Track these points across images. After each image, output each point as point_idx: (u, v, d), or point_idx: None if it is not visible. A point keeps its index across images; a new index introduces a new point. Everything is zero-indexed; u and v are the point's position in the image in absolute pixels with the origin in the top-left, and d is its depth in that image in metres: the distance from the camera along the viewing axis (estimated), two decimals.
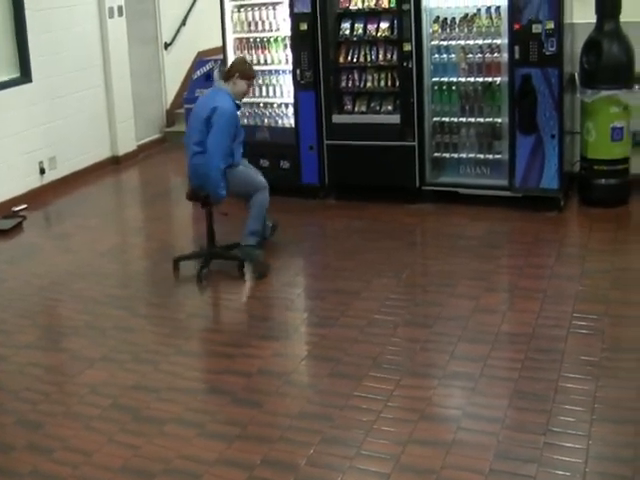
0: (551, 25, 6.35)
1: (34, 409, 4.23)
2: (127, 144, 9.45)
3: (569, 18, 6.69)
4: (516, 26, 6.44)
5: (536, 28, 6.40)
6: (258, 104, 7.75)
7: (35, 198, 8.02)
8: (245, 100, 7.79)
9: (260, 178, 6.05)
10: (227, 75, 5.97)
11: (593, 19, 6.64)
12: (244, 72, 5.93)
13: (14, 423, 4.13)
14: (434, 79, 6.99)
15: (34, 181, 8.19)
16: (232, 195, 5.84)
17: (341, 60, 7.35)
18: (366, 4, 7.17)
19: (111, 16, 9.16)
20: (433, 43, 6.94)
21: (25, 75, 8.12)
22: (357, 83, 7.34)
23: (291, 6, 7.21)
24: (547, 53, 6.39)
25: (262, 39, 7.68)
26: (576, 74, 6.86)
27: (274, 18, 7.51)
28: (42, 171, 8.26)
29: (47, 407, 4.25)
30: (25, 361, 4.79)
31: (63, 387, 4.47)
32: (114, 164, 9.26)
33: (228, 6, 7.66)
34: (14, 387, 4.51)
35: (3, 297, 5.78)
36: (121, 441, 3.88)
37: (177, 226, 7.56)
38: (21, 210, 7.72)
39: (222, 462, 3.64)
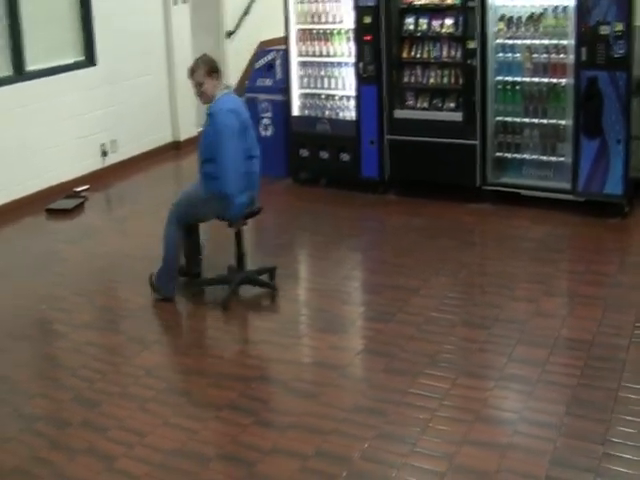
0: (620, 27, 6.22)
1: (91, 387, 4.30)
2: (188, 130, 9.53)
3: (639, 20, 6.56)
4: (585, 27, 6.33)
5: (604, 30, 6.27)
6: (320, 96, 7.75)
7: (97, 180, 8.14)
8: (306, 91, 7.87)
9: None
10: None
11: None
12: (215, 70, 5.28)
13: (71, 400, 4.20)
14: (498, 78, 6.90)
15: (96, 163, 8.32)
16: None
17: (404, 55, 7.30)
18: (430, 0, 7.12)
19: (175, 3, 9.24)
20: (498, 41, 6.85)
21: (89, 58, 8.25)
22: (420, 79, 7.29)
23: None
24: (615, 56, 6.26)
25: (325, 31, 7.67)
26: None
27: (337, 10, 7.49)
28: (104, 153, 8.38)
29: (103, 386, 4.31)
30: (83, 340, 4.86)
31: (119, 367, 4.52)
32: (175, 149, 9.35)
33: None
34: (72, 364, 4.59)
35: (63, 276, 5.87)
36: (175, 424, 3.92)
37: None
38: (83, 191, 7.84)
39: (276, 451, 3.65)
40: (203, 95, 5.18)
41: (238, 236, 5.34)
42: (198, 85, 5.15)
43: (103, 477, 3.54)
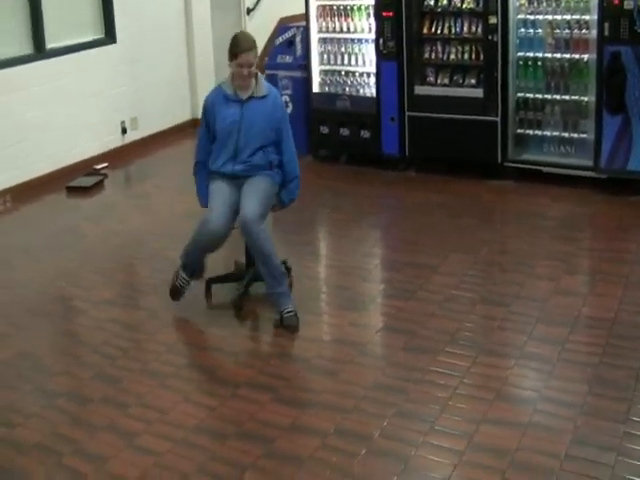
0: None
1: (112, 364, 4.32)
2: None
3: None
4: (612, 1, 6.23)
5: (628, 4, 6.19)
6: (340, 72, 7.71)
7: (116, 157, 8.16)
8: (326, 67, 7.82)
9: (213, 209, 4.71)
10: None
11: None
12: (230, 50, 4.63)
13: (92, 376, 4.22)
14: (519, 54, 6.84)
15: (116, 140, 8.33)
16: None
17: (425, 31, 7.24)
18: None
19: None
20: (519, 17, 6.78)
21: (109, 36, 8.24)
22: (440, 55, 7.24)
23: None
24: (639, 30, 6.18)
25: (345, 7, 7.63)
26: None
27: None
28: (124, 131, 8.40)
29: (124, 363, 4.33)
30: (104, 316, 4.89)
31: (140, 344, 4.55)
32: (194, 127, 9.30)
33: None
34: (93, 341, 4.61)
35: (83, 253, 5.90)
36: (196, 401, 3.94)
37: None
38: (102, 168, 7.87)
39: (295, 428, 3.66)
40: (249, 77, 4.64)
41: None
42: (249, 67, 4.59)
43: (124, 454, 3.56)
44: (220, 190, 4.72)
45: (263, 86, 4.74)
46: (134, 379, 4.17)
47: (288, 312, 4.55)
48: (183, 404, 3.91)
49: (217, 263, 5.22)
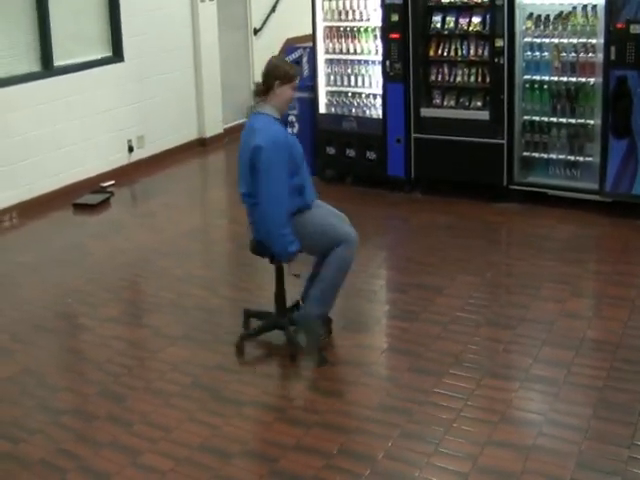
0: None
1: (116, 381, 4.32)
2: (214, 127, 9.57)
3: None
4: (614, 26, 6.27)
5: (634, 29, 6.22)
6: (346, 93, 7.74)
7: (123, 175, 8.19)
8: (333, 88, 7.86)
9: (345, 226, 4.55)
10: (264, 88, 4.47)
11: None
12: (284, 75, 4.42)
13: (97, 394, 4.23)
14: (526, 77, 6.86)
15: (122, 158, 8.37)
16: (305, 249, 4.52)
17: (431, 53, 7.28)
18: None
19: (202, 0, 9.26)
20: (526, 40, 6.81)
21: (117, 54, 8.30)
22: (447, 77, 7.27)
23: None
24: None
25: (352, 28, 7.67)
26: None
27: (365, 8, 7.48)
28: (130, 149, 8.43)
29: (129, 381, 4.34)
30: (109, 334, 4.89)
31: (145, 362, 4.55)
32: (200, 146, 9.39)
33: None
34: (98, 359, 4.61)
35: (89, 271, 5.91)
36: (200, 419, 3.93)
37: None
38: (109, 186, 7.90)
39: (299, 448, 3.66)
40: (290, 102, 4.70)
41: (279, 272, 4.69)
42: (294, 90, 4.60)
43: (128, 471, 3.56)
44: (323, 210, 4.60)
45: None
46: (138, 397, 4.17)
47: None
48: (187, 423, 3.91)
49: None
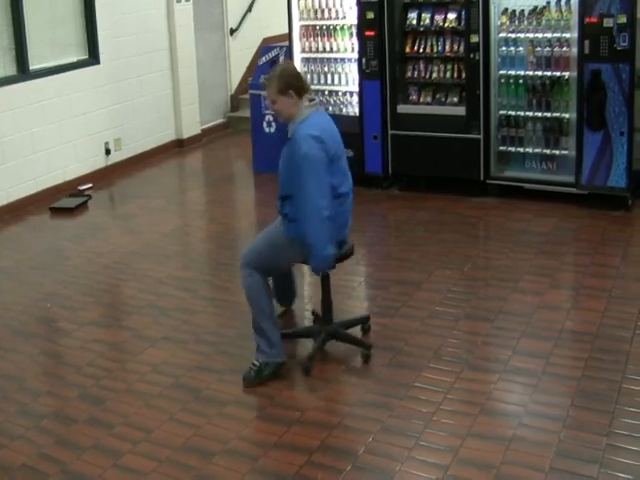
0: (623, 19, 6.21)
1: (97, 384, 4.31)
2: (191, 128, 9.56)
3: None
4: (588, 20, 6.32)
5: (607, 22, 6.27)
6: (323, 92, 7.76)
7: (100, 178, 8.17)
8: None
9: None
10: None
11: None
12: (297, 87, 4.19)
13: (77, 397, 4.21)
14: (501, 72, 6.90)
15: (100, 161, 8.34)
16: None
17: (407, 50, 7.31)
18: None
19: (178, 1, 9.25)
20: (501, 35, 6.85)
21: (93, 57, 8.27)
22: (423, 74, 7.30)
23: None
24: (618, 48, 6.25)
25: (328, 27, 7.68)
26: None
27: (340, 6, 7.50)
28: (108, 152, 8.40)
29: (109, 383, 4.33)
30: (88, 337, 4.88)
31: (125, 364, 4.54)
32: (178, 147, 9.37)
33: None
34: (77, 362, 4.60)
35: (67, 274, 5.89)
36: (181, 420, 3.93)
37: (240, 210, 7.61)
38: (86, 189, 7.87)
39: (280, 445, 3.67)
40: (278, 114, 4.31)
41: (324, 281, 4.48)
42: (271, 102, 4.27)
43: (110, 474, 3.56)
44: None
45: (293, 125, 4.23)
46: (119, 399, 4.17)
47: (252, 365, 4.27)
48: (168, 423, 3.91)
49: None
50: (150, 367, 4.46)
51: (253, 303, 4.28)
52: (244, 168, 8.56)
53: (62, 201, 7.49)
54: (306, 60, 7.86)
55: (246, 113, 8.91)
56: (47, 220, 7.23)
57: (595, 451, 3.48)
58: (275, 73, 4.24)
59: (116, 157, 8.52)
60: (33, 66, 7.61)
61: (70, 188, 7.80)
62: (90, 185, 7.94)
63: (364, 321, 4.73)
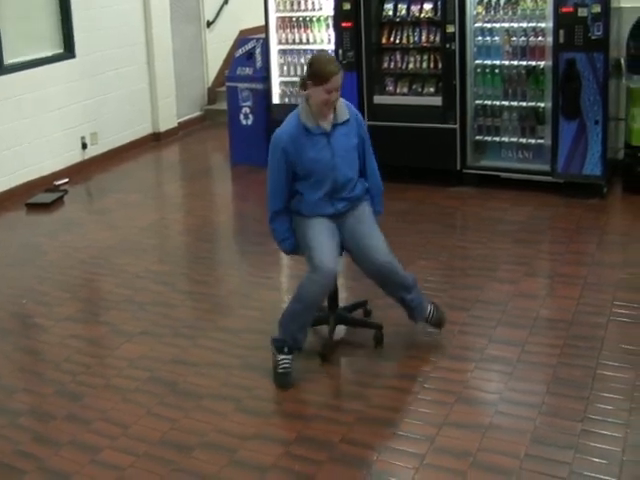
0: (597, 9, 6.25)
1: (74, 380, 4.29)
2: (168, 121, 9.52)
3: (616, 2, 6.57)
4: (563, 9, 6.34)
5: (582, 12, 6.31)
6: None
7: (76, 173, 8.13)
8: (287, 79, 7.85)
9: (322, 252, 4.05)
10: (302, 83, 4.13)
11: None
12: (316, 76, 3.96)
13: (54, 393, 4.19)
14: (477, 62, 6.93)
15: (76, 156, 8.29)
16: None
17: (383, 41, 7.31)
18: None
19: None
20: (477, 25, 6.88)
21: (68, 51, 8.20)
22: (399, 64, 7.31)
23: None
24: (593, 37, 6.30)
25: (304, 18, 7.69)
26: (622, 59, 6.74)
27: None
28: (84, 146, 8.36)
29: (86, 379, 4.31)
30: (65, 333, 4.85)
31: (103, 360, 4.52)
32: (155, 140, 9.33)
33: None
34: (54, 358, 4.58)
35: (44, 270, 5.85)
36: (159, 414, 3.92)
37: (217, 203, 7.59)
38: (63, 184, 7.82)
39: (258, 437, 3.67)
40: (334, 103, 4.09)
41: None
42: (336, 91, 4.02)
43: (87, 469, 3.54)
44: (322, 227, 4.13)
45: (344, 108, 4.17)
46: (96, 395, 4.15)
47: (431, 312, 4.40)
48: (146, 418, 3.90)
49: None
50: (127, 362, 4.45)
51: (410, 280, 4.34)
52: (221, 161, 8.54)
53: (38, 196, 7.44)
54: (282, 52, 7.87)
55: (223, 106, 8.88)
56: (23, 216, 7.18)
57: (570, 437, 3.51)
58: (333, 57, 4.32)
59: (92, 151, 8.46)
60: (7, 60, 7.53)
61: (46, 183, 7.75)
62: (66, 180, 7.89)
63: (364, 304, 4.75)
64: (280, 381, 4.11)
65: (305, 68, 4.23)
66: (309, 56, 7.57)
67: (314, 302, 4.11)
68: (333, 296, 4.47)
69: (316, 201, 4.13)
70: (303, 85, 4.10)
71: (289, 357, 4.12)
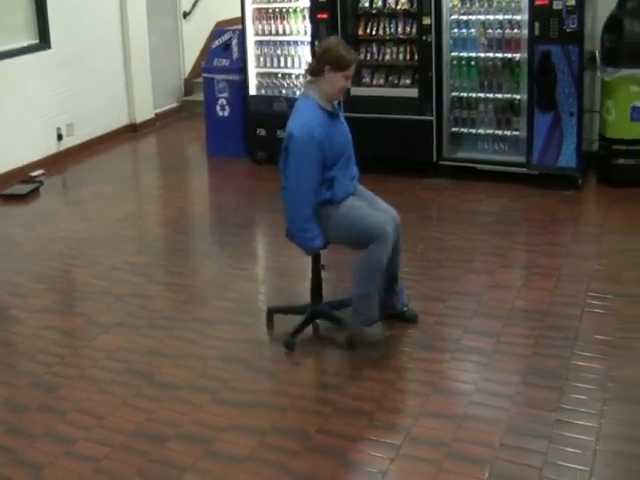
0: (572, 2, 6.28)
1: (49, 371, 4.27)
2: (145, 112, 9.46)
3: None
4: (538, 2, 6.38)
5: (557, 4, 6.34)
6: (276, 75, 7.75)
7: (52, 164, 8.06)
8: (263, 70, 7.84)
9: (377, 219, 4.18)
10: (315, 69, 4.17)
11: None
12: (337, 62, 4.07)
13: (29, 385, 4.17)
14: (453, 54, 6.94)
15: (52, 147, 8.23)
16: (335, 241, 4.34)
17: (360, 32, 7.31)
18: None
19: None
20: (453, 17, 6.89)
21: (44, 42, 8.12)
22: (376, 56, 7.31)
23: None
24: (568, 30, 6.33)
25: (281, 9, 7.66)
26: (597, 52, 6.77)
27: None
28: (60, 137, 8.29)
29: (62, 370, 4.29)
30: (41, 324, 4.82)
31: (78, 351, 4.51)
32: (131, 132, 9.27)
33: None
34: (29, 350, 4.55)
35: (19, 261, 5.81)
36: (134, 405, 3.91)
37: (194, 194, 7.56)
38: (38, 175, 7.76)
39: (233, 428, 3.67)
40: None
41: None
42: (349, 79, 4.24)
43: (62, 461, 3.52)
44: (358, 202, 4.25)
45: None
46: (72, 386, 4.13)
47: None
48: (121, 409, 3.89)
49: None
50: (103, 353, 4.43)
51: None
52: (198, 152, 8.51)
53: (13, 188, 7.38)
54: (259, 43, 7.84)
55: (200, 97, 8.85)
56: None
57: (544, 427, 3.53)
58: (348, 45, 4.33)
59: (68, 142, 8.40)
60: None
61: (21, 174, 7.68)
62: (42, 171, 7.83)
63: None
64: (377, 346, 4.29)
65: (317, 53, 4.25)
66: (286, 48, 7.64)
67: (383, 269, 4.18)
68: (318, 290, 4.48)
69: (345, 182, 4.23)
70: (317, 71, 4.14)
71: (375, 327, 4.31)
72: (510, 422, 3.59)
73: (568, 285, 4.91)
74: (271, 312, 4.65)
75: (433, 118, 6.92)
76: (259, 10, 7.77)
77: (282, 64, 7.70)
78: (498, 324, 4.46)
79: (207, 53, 8.86)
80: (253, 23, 7.82)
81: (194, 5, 10.33)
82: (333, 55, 4.09)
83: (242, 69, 7.88)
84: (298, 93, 7.56)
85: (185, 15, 10.25)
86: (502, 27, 6.76)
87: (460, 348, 4.27)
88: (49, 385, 4.15)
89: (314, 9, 7.24)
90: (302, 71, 7.52)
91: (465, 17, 6.87)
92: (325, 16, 7.19)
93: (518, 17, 6.66)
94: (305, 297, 4.55)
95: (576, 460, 3.32)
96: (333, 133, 4.16)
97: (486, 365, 4.08)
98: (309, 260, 4.50)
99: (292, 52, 7.65)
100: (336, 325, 4.49)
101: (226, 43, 8.15)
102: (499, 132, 6.89)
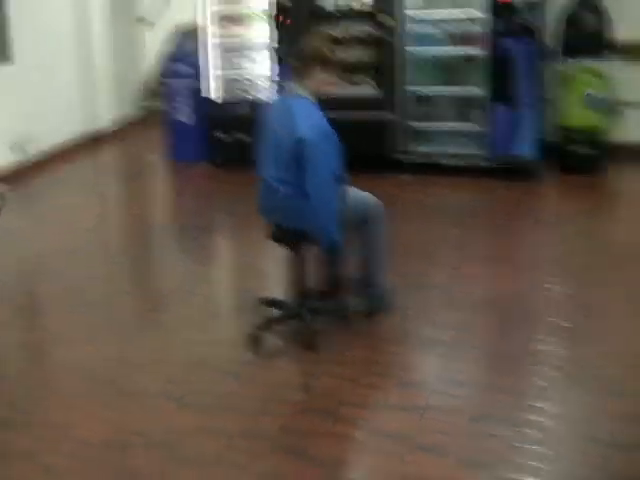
0: None
1: (14, 385, 4.22)
2: (105, 121, 9.41)
3: None
4: None
5: (517, 1, 6.41)
6: (237, 78, 7.76)
7: (11, 178, 7.92)
8: (223, 74, 7.81)
9: (369, 196, 4.54)
10: (303, 68, 4.16)
11: None
12: (326, 59, 4.13)
13: None
14: (413, 50, 6.97)
15: (10, 161, 8.07)
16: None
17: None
18: None
19: None
20: (413, 14, 6.92)
21: (2, 53, 8.01)
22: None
23: None
24: (527, 25, 6.40)
25: (241, 13, 7.65)
26: (554, 44, 6.85)
27: None
28: (18, 150, 8.11)
29: (26, 382, 4.23)
30: (3, 340, 4.75)
31: (42, 365, 4.46)
32: (92, 141, 9.19)
33: None
34: None
35: None
36: (100, 415, 3.86)
37: (156, 201, 7.55)
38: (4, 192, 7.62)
39: (200, 432, 3.64)
40: None
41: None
42: None
43: (30, 475, 3.48)
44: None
45: None
46: (38, 397, 4.09)
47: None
48: (87, 420, 3.85)
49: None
50: (71, 364, 4.38)
51: None
52: (159, 158, 8.47)
53: None
54: (219, 47, 7.82)
55: (160, 103, 8.81)
56: None
57: (507, 411, 3.58)
58: None
59: (28, 156, 8.28)
60: None
61: None
62: (8, 187, 7.71)
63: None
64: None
65: (305, 54, 4.18)
66: (247, 51, 7.63)
67: (384, 237, 4.47)
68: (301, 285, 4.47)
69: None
70: (306, 71, 4.13)
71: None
72: (474, 410, 3.62)
73: (528, 273, 4.98)
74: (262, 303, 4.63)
75: (394, 115, 6.95)
76: (219, 14, 7.76)
77: (243, 67, 7.70)
78: (461, 315, 4.50)
79: (166, 58, 8.82)
80: (213, 26, 7.80)
81: (154, 9, 10.27)
82: (322, 54, 4.11)
83: (201, 73, 7.85)
84: (259, 96, 7.55)
85: (144, 20, 10.19)
86: (462, 23, 6.80)
87: (423, 340, 4.30)
88: (12, 399, 4.08)
89: (274, 11, 7.24)
90: (264, 74, 7.52)
91: (425, 13, 6.90)
92: (284, 18, 7.19)
93: (478, 13, 6.70)
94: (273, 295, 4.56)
95: (540, 443, 3.36)
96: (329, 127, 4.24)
97: (448, 355, 4.11)
98: (272, 259, 4.51)
99: (253, 55, 7.66)
100: (336, 314, 4.55)
101: (185, 47, 8.12)
102: (459, 126, 6.93)
